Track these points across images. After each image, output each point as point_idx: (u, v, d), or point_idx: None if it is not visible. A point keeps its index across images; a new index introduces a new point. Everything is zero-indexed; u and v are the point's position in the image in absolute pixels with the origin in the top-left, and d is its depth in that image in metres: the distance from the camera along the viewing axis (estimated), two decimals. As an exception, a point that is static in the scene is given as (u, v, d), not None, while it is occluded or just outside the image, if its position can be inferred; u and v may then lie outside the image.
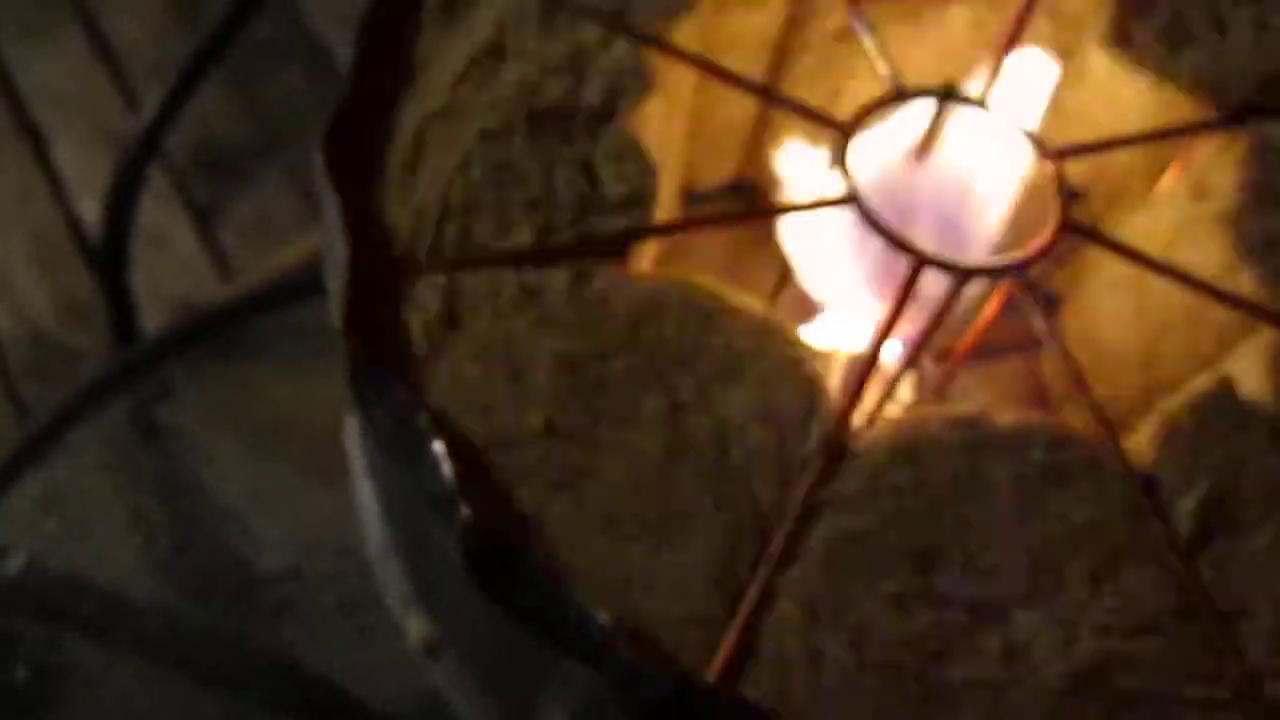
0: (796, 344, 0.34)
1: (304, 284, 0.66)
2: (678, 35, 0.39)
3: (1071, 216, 0.36)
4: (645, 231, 0.35)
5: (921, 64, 0.42)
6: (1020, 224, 0.39)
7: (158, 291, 1.01)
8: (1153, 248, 0.37)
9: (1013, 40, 0.40)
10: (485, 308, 0.34)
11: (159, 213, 1.05)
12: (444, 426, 0.31)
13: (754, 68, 0.45)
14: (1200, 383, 0.35)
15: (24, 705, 0.53)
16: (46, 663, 0.54)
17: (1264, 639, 0.31)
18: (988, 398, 0.45)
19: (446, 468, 0.30)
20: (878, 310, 0.37)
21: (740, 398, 0.33)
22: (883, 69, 0.38)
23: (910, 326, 0.37)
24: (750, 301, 0.35)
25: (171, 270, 1.05)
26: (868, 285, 0.39)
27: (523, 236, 0.35)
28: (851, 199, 0.35)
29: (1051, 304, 0.35)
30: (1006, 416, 0.34)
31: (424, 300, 0.34)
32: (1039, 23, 0.42)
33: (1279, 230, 0.37)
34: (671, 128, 0.41)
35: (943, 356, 0.43)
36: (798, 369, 0.34)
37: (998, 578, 0.31)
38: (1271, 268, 0.37)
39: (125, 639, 0.53)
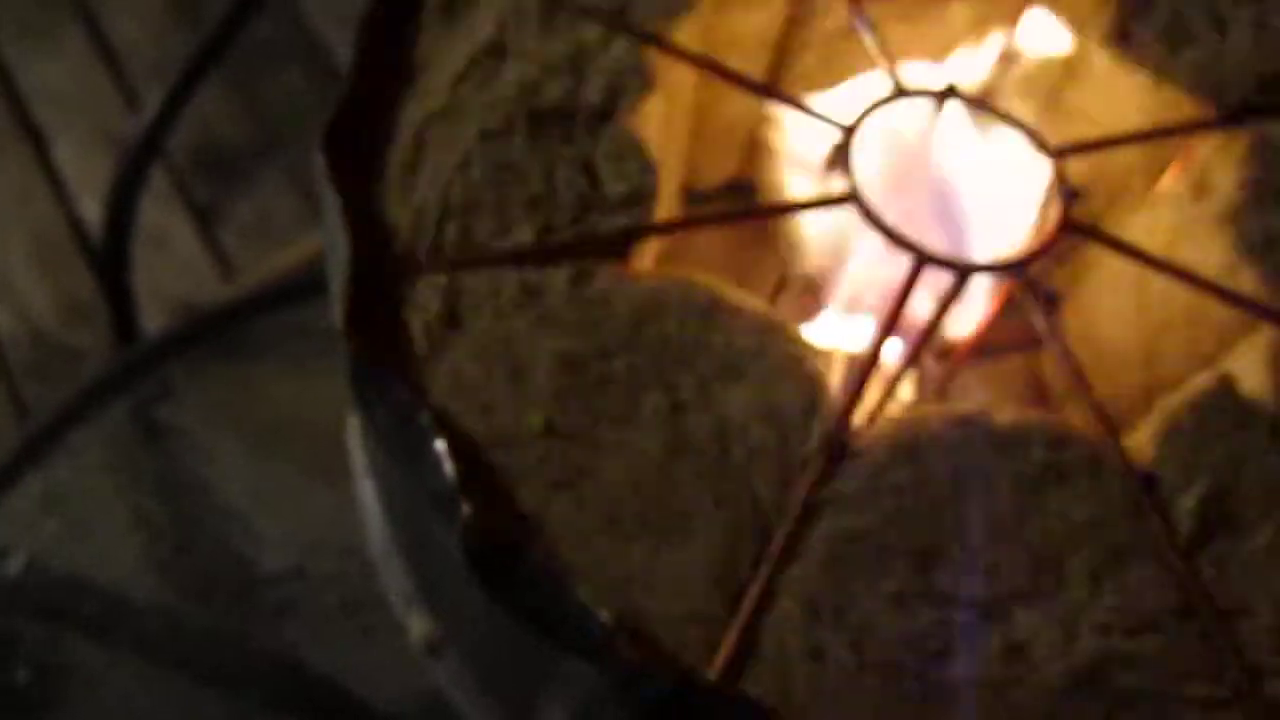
0: (797, 342, 0.34)
1: (305, 284, 0.66)
2: (678, 34, 0.39)
3: (1072, 215, 0.36)
4: (646, 230, 0.35)
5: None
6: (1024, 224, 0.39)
7: (158, 292, 1.01)
8: (1153, 246, 0.37)
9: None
10: (486, 307, 0.34)
11: (159, 213, 1.05)
12: (445, 426, 0.31)
13: (754, 67, 0.45)
14: (1200, 381, 0.35)
15: (25, 705, 0.53)
16: (47, 663, 0.54)
17: (1264, 637, 0.31)
18: (988, 396, 0.45)
19: (448, 467, 0.30)
20: (878, 309, 0.37)
21: (741, 396, 0.33)
22: (883, 68, 0.38)
23: (910, 325, 0.37)
24: (751, 300, 0.35)
25: (172, 270, 1.05)
26: (868, 284, 0.39)
27: (523, 236, 0.35)
28: (852, 198, 0.35)
29: (1052, 302, 0.35)
30: (1007, 415, 0.34)
31: (425, 300, 0.34)
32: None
33: (1279, 228, 0.37)
34: (672, 127, 0.41)
35: (943, 355, 0.43)
36: (798, 368, 0.33)
37: (998, 576, 0.31)
38: (1272, 266, 0.37)
39: (126, 639, 0.53)
